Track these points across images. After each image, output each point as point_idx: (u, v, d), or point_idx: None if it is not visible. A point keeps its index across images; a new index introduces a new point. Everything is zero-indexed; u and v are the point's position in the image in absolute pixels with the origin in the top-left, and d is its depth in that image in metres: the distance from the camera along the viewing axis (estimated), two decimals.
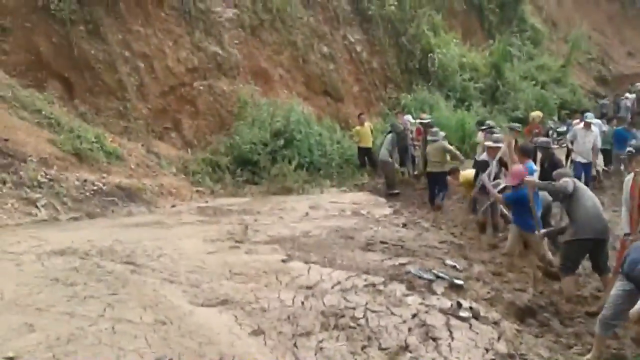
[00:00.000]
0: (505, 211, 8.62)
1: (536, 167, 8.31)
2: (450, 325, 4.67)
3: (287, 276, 5.58)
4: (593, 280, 6.85)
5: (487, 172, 8.47)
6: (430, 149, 10.87)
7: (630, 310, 4.56)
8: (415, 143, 13.05)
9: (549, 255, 7.19)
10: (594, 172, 11.92)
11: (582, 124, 11.69)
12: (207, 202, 10.13)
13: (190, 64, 12.95)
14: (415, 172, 13.05)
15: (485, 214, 8.94)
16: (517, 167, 7.18)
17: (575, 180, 6.79)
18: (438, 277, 5.85)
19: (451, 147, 10.80)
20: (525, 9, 25.11)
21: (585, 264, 6.81)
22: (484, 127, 11.41)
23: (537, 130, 12.93)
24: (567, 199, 6.34)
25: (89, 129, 10.35)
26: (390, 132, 12.09)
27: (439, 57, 18.20)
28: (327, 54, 16.08)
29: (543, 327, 5.56)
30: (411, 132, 12.99)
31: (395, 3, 17.68)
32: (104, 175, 9.49)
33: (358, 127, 13.51)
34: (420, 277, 5.76)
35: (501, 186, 7.83)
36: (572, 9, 30.36)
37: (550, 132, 16.99)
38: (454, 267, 6.51)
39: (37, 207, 7.89)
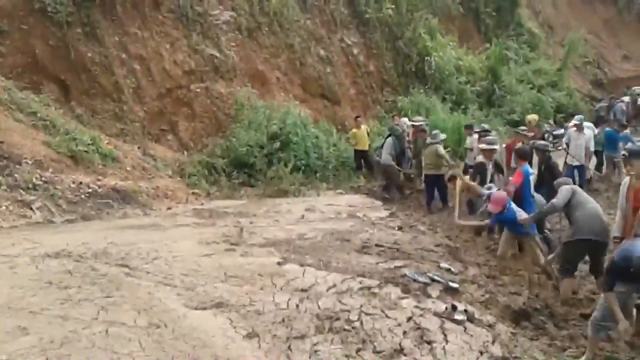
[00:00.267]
0: None
1: (532, 171, 8.32)
2: (444, 328, 4.67)
3: (282, 279, 5.58)
4: (588, 283, 6.86)
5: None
6: (426, 151, 10.94)
7: (618, 327, 4.62)
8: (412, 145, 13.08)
9: (543, 258, 7.19)
10: (589, 175, 11.97)
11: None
12: (202, 204, 10.12)
13: (187, 66, 12.94)
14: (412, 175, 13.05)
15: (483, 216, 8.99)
16: (499, 194, 7.14)
17: (574, 186, 6.84)
18: (433, 280, 5.85)
19: (444, 153, 10.82)
20: (522, 12, 25.21)
21: (581, 267, 6.82)
22: (478, 131, 11.47)
23: (533, 134, 12.94)
24: (567, 204, 6.40)
25: (84, 131, 10.34)
26: (389, 135, 12.09)
27: (435, 60, 18.24)
28: (324, 57, 16.10)
29: (538, 329, 5.57)
30: (408, 134, 13.01)
31: (392, 6, 17.73)
32: (100, 177, 9.47)
33: (355, 130, 13.51)
34: (415, 280, 5.76)
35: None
36: (569, 13, 30.48)
37: (547, 135, 17.00)
38: (449, 270, 6.52)
39: (31, 209, 7.87)
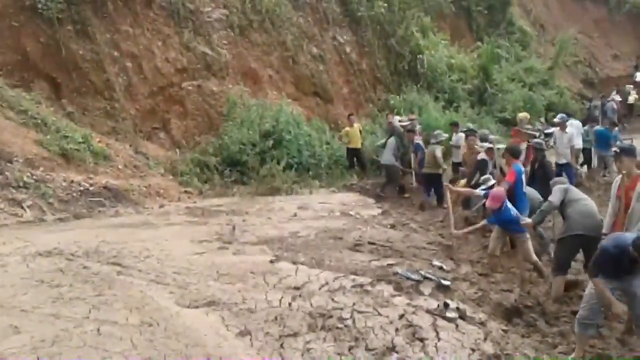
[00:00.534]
0: None
1: (524, 169, 8.39)
2: (437, 325, 4.70)
3: (274, 277, 5.59)
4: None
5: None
6: (427, 150, 11.26)
7: (612, 310, 4.63)
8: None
9: (535, 256, 7.23)
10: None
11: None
12: (195, 202, 10.09)
13: (179, 64, 12.88)
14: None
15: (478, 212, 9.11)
16: (498, 190, 7.19)
17: (567, 185, 6.89)
18: (425, 277, 5.88)
19: (439, 156, 10.99)
20: (513, 11, 25.26)
21: (574, 265, 6.86)
22: (464, 130, 11.58)
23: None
24: (561, 202, 6.48)
25: (76, 129, 10.27)
26: (391, 135, 12.11)
27: (427, 58, 18.25)
28: (317, 55, 16.06)
29: (529, 327, 5.61)
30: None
31: (385, 4, 17.71)
32: (91, 175, 9.43)
33: (347, 128, 13.51)
34: (407, 278, 5.79)
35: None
36: (560, 12, 30.61)
37: (538, 133, 17.10)
38: (441, 267, 6.56)
39: (22, 208, 7.83)
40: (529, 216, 7.51)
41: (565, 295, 6.46)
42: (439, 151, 10.94)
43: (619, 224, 5.88)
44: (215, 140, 12.57)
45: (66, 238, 6.59)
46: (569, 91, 24.74)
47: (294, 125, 13.05)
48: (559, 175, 10.02)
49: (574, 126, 12.99)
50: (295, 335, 4.34)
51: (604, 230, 6.04)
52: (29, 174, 8.43)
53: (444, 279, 5.96)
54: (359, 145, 13.49)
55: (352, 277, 5.72)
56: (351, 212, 9.56)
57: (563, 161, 11.43)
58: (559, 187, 6.67)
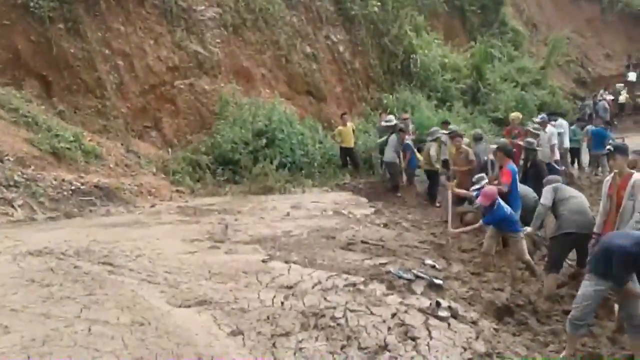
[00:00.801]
0: None
1: (516, 168, 8.44)
2: (429, 324, 4.69)
3: (267, 276, 5.57)
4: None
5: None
6: (425, 147, 11.71)
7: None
8: None
9: (528, 255, 7.26)
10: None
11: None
12: (187, 201, 10.05)
13: (171, 62, 12.82)
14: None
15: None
16: (490, 188, 7.24)
17: (557, 184, 6.92)
18: (417, 276, 5.88)
19: (434, 154, 11.34)
20: (506, 11, 25.38)
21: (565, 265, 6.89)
22: (448, 132, 11.66)
23: (516, 131, 13.06)
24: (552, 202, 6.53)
25: (67, 128, 10.22)
26: (392, 133, 12.12)
27: (421, 57, 18.30)
28: (310, 54, 16.05)
29: (521, 325, 5.63)
30: None
31: (378, 4, 17.72)
32: (82, 174, 9.37)
33: (340, 127, 13.52)
34: (400, 277, 5.79)
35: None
36: (552, 12, 30.76)
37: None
38: (434, 266, 6.57)
39: (13, 207, 7.77)
40: (522, 214, 7.56)
41: (556, 294, 6.49)
42: (433, 149, 11.06)
43: (610, 223, 5.89)
44: (207, 139, 12.53)
45: (57, 237, 6.54)
46: (562, 90, 24.89)
47: (287, 124, 13.03)
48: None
49: (563, 126, 13.10)
50: (287, 334, 4.33)
51: (595, 230, 6.05)
52: (19, 172, 8.37)
53: (436, 278, 5.96)
54: (352, 145, 13.50)
55: (345, 276, 5.71)
56: (344, 211, 9.56)
57: (547, 160, 11.47)
58: (548, 188, 6.71)
